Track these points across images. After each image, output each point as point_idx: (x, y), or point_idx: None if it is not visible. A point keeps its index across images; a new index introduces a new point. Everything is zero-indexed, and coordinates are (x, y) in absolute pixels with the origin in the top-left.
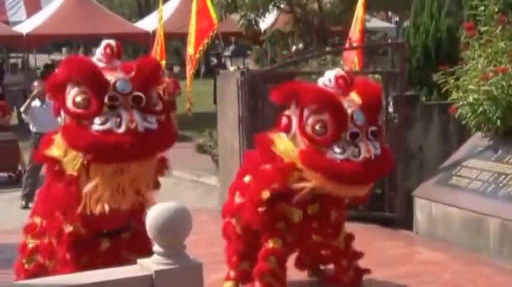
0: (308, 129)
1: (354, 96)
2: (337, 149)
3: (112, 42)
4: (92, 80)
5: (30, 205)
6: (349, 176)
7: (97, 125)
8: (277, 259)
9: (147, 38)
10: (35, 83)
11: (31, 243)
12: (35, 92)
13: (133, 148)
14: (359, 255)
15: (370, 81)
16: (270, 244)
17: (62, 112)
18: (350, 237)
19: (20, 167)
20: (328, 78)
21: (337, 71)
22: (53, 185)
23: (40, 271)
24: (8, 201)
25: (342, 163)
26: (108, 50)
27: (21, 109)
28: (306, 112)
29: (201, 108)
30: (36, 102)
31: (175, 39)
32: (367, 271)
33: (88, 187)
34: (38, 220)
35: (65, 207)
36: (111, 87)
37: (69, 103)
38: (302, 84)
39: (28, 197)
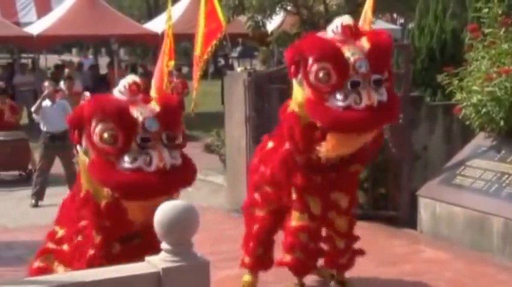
0: (312, 77)
1: (364, 42)
2: (339, 97)
3: (137, 80)
4: (120, 118)
5: (40, 203)
6: (350, 124)
7: (127, 163)
8: (308, 234)
9: (156, 39)
10: (46, 84)
11: (50, 246)
12: (45, 92)
13: (161, 186)
14: (356, 238)
15: (380, 31)
16: (296, 222)
17: (86, 145)
18: (352, 222)
19: (30, 166)
20: (336, 25)
21: (344, 19)
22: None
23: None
24: (18, 199)
25: (343, 111)
26: (134, 87)
27: (32, 109)
28: (310, 60)
29: (208, 108)
30: (47, 103)
31: (184, 40)
32: (362, 252)
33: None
34: (57, 228)
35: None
36: (140, 126)
37: (96, 138)
38: (306, 37)
39: (38, 195)
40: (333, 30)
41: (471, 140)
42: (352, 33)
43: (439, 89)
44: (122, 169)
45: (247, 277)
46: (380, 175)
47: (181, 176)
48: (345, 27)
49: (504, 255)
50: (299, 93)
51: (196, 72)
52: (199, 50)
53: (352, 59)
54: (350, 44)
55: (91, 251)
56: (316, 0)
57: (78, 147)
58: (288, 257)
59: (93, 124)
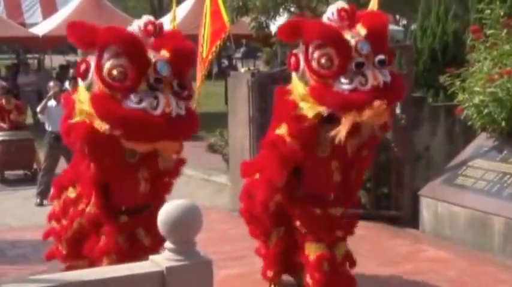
0: (314, 64)
1: (360, 28)
2: (344, 80)
3: (153, 19)
4: (134, 55)
5: (45, 202)
6: (358, 105)
7: (132, 102)
8: (328, 261)
9: None
10: (51, 84)
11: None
12: (51, 92)
13: (164, 132)
14: (353, 227)
15: (375, 12)
16: (314, 254)
17: (93, 77)
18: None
19: (35, 166)
20: (331, 12)
21: (339, 4)
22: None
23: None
24: (23, 198)
25: (350, 94)
26: (150, 27)
27: (38, 109)
28: (310, 48)
29: (212, 108)
30: (52, 103)
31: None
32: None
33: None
34: (55, 203)
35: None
36: (151, 67)
37: (104, 73)
38: (305, 21)
39: (43, 194)
40: (328, 17)
41: (473, 141)
42: (348, 16)
43: (441, 89)
44: (126, 106)
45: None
46: (382, 175)
47: (185, 124)
48: (340, 11)
49: (505, 254)
50: (299, 86)
51: (200, 72)
52: (205, 50)
53: (353, 41)
54: (347, 28)
55: (89, 209)
56: (320, 2)
57: (79, 81)
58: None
59: (105, 56)
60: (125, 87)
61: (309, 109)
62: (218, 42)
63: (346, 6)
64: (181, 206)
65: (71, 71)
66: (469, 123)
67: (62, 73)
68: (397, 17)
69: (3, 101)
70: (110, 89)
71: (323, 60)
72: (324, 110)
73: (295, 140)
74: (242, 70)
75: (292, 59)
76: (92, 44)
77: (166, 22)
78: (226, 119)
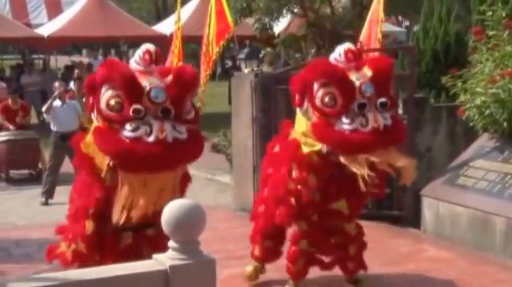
0: (318, 101)
1: (366, 71)
2: (345, 120)
3: (151, 47)
4: (127, 86)
5: (50, 201)
6: (357, 146)
7: (128, 131)
8: (308, 241)
9: (165, 41)
10: (56, 84)
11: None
12: (56, 92)
13: (160, 159)
14: (365, 246)
15: (381, 56)
16: (297, 228)
17: (95, 111)
18: (361, 227)
19: (40, 165)
20: (338, 53)
21: (346, 45)
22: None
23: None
24: (28, 198)
25: (350, 133)
26: (147, 56)
27: (43, 109)
28: (315, 86)
29: (216, 109)
30: (57, 103)
31: (192, 42)
32: (365, 267)
33: (119, 197)
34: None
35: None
36: (145, 95)
37: (102, 105)
38: (311, 63)
39: (48, 194)
40: (335, 58)
41: (474, 141)
42: (355, 58)
43: (443, 90)
44: (123, 137)
45: (250, 268)
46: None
47: (183, 148)
48: (347, 52)
49: (506, 254)
50: (303, 122)
51: (204, 73)
52: (210, 50)
53: (357, 83)
54: (353, 70)
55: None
56: (323, 3)
57: (92, 115)
58: (291, 268)
59: (103, 90)
60: (121, 117)
61: (308, 146)
62: (221, 43)
63: (353, 48)
64: (185, 205)
65: (76, 71)
66: (471, 124)
67: (67, 73)
68: (400, 18)
69: (10, 101)
70: (108, 121)
71: (327, 99)
72: (323, 147)
73: (307, 189)
74: (245, 71)
75: (297, 96)
76: (94, 86)
77: (171, 23)
78: (229, 120)
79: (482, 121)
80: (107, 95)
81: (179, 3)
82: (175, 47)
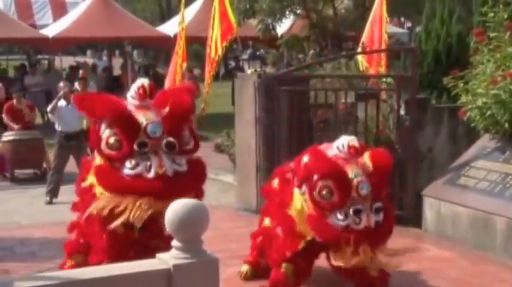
0: (315, 193)
1: (367, 161)
2: (339, 216)
3: (146, 82)
4: (123, 123)
5: (54, 200)
6: (347, 243)
7: (128, 168)
8: (293, 269)
9: (169, 42)
10: (61, 84)
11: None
12: (61, 92)
13: (161, 194)
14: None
15: (382, 152)
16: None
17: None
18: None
19: (45, 165)
20: (341, 144)
21: (351, 140)
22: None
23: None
24: (33, 197)
25: (342, 231)
26: (141, 91)
27: (48, 109)
28: (315, 177)
29: (219, 109)
30: (62, 103)
31: (196, 43)
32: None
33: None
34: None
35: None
36: (142, 131)
37: (103, 144)
38: (314, 155)
39: (52, 193)
40: (338, 147)
41: (476, 142)
42: (356, 153)
43: (445, 91)
44: (124, 174)
45: (245, 267)
46: None
47: (183, 181)
48: (350, 148)
49: (507, 254)
50: (299, 200)
51: (209, 74)
52: (214, 51)
53: (355, 181)
54: (353, 164)
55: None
56: (325, 4)
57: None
58: None
59: (102, 127)
60: (121, 155)
61: (304, 232)
62: (225, 44)
63: (356, 143)
64: (188, 205)
65: (81, 71)
66: (472, 124)
67: (72, 74)
68: (402, 19)
69: (15, 101)
70: (109, 159)
71: (324, 192)
72: (317, 238)
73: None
74: (249, 71)
75: (297, 180)
76: (93, 112)
77: (175, 24)
78: (233, 120)
79: (484, 122)
80: (105, 133)
81: (183, 4)
82: (180, 47)
